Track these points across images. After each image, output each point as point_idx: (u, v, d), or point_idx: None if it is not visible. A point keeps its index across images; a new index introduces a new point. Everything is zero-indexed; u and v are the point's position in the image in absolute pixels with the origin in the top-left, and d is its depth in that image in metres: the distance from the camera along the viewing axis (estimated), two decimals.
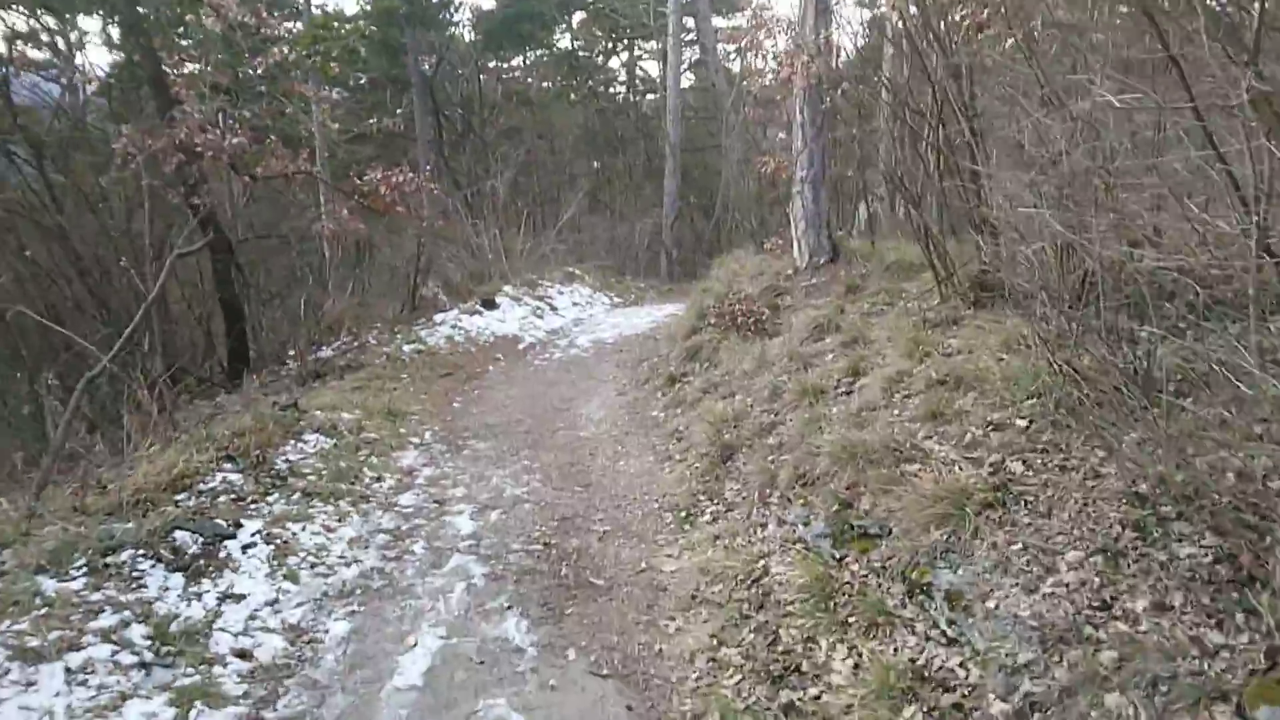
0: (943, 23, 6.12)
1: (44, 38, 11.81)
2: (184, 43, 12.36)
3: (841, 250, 8.73)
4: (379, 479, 5.82)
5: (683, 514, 5.06)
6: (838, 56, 8.95)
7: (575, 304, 14.36)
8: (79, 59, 12.86)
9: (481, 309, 12.52)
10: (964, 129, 6.15)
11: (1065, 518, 3.31)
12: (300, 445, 6.11)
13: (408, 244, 14.67)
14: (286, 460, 5.78)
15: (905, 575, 3.54)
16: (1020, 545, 3.28)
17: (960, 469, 3.97)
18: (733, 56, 26.06)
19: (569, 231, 19.12)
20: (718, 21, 24.19)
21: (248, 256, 14.13)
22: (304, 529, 4.78)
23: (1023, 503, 3.49)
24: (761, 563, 4.14)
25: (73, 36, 12.11)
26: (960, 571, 3.36)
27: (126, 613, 3.75)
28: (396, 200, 11.26)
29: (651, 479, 5.78)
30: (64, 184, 10.22)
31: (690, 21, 23.30)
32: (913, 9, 6.35)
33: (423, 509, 5.37)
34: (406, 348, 10.25)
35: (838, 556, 3.88)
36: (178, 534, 4.36)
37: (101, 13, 10.81)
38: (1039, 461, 3.72)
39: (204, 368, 12.11)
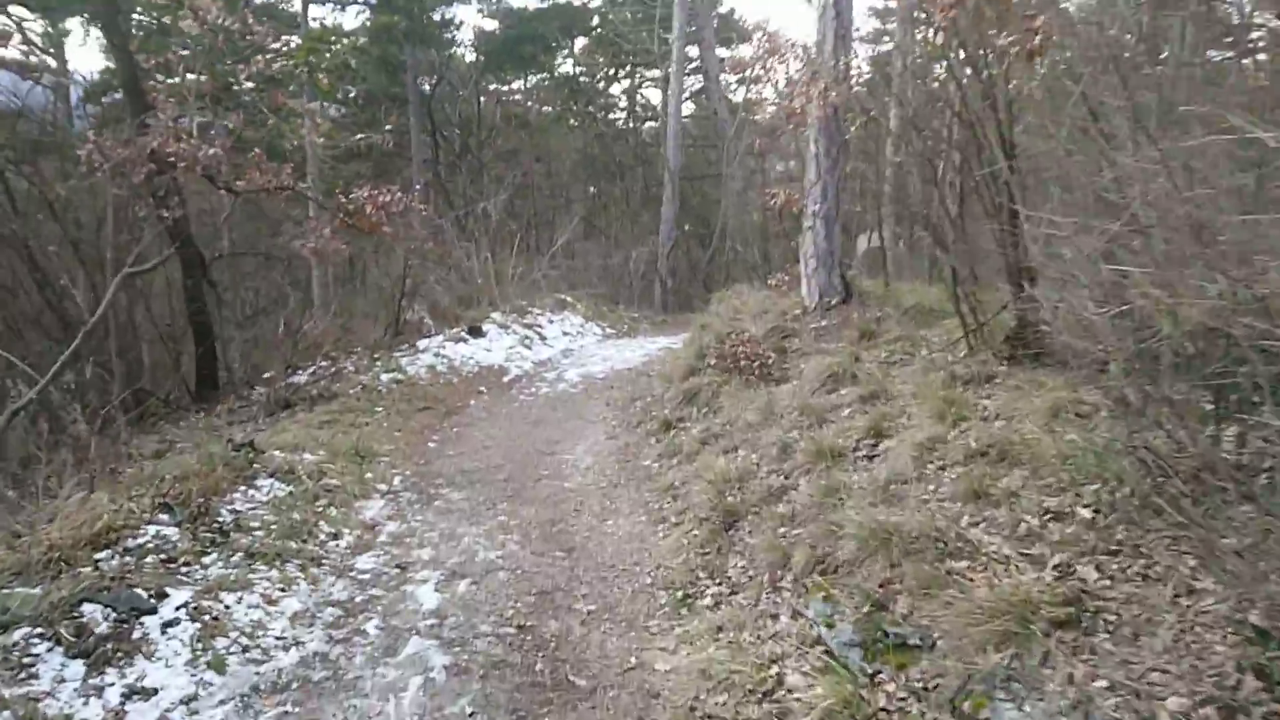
0: (985, 51, 5.58)
1: (18, 37, 11.20)
2: (182, 51, 11.84)
3: (854, 291, 8.15)
4: (336, 536, 5.15)
5: (679, 594, 4.40)
6: (854, 85, 8.41)
7: (565, 333, 13.75)
8: (54, 61, 12.24)
9: (467, 336, 11.89)
10: (1002, 165, 5.60)
11: (1159, 648, 2.69)
12: (251, 492, 5.44)
13: (395, 265, 14.09)
14: (233, 510, 5.11)
15: (955, 706, 2.90)
16: (1105, 682, 2.64)
17: (1018, 569, 3.34)
18: (735, 87, 25.78)
19: (562, 257, 18.57)
20: (721, 52, 23.89)
21: (231, 273, 13.53)
22: (240, 600, 4.11)
23: (1102, 622, 2.87)
24: (774, 669, 3.49)
25: (51, 36, 11.50)
26: (1028, 709, 2.72)
27: (5, 714, 3.08)
28: (383, 220, 10.67)
29: (643, 545, 5.13)
30: (28, 191, 9.57)
31: (694, 50, 22.96)
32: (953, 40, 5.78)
33: (382, 575, 4.70)
34: (385, 377, 9.60)
35: (869, 672, 3.24)
36: (86, 608, 3.69)
37: (84, 14, 10.22)
38: (1115, 567, 3.10)
39: (170, 391, 11.42)
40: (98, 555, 4.28)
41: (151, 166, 9.02)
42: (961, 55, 5.91)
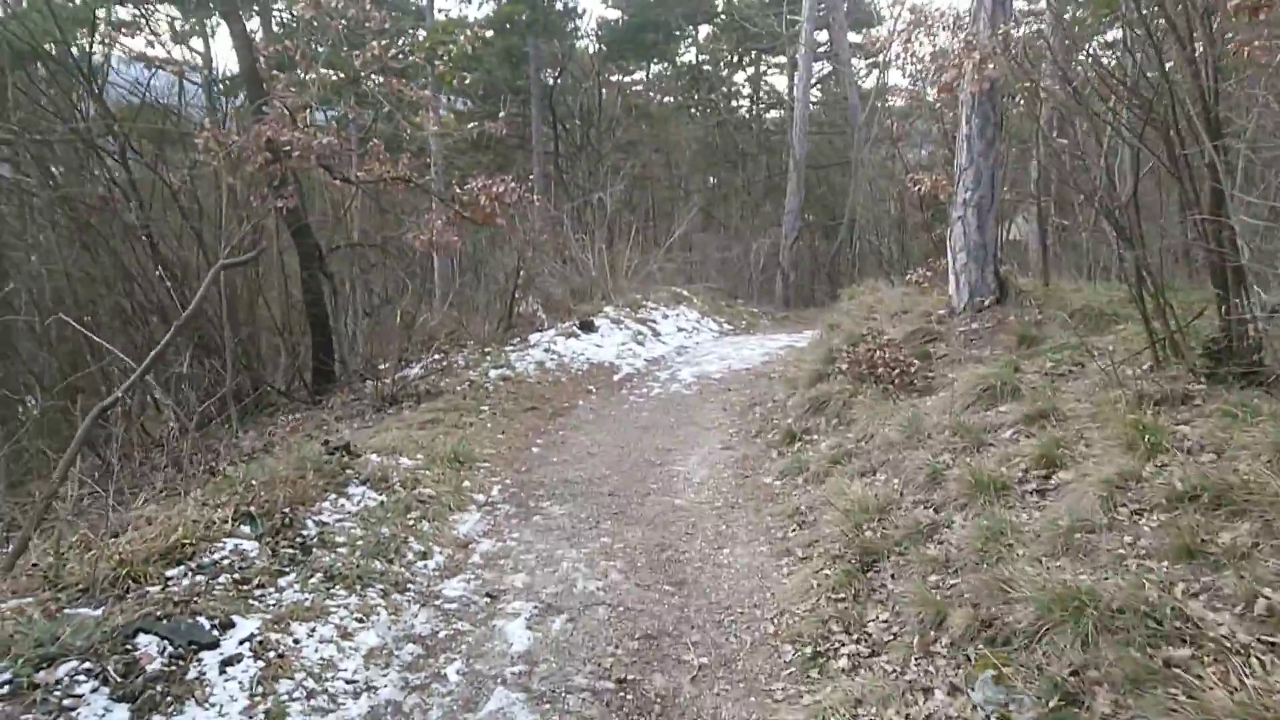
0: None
1: (152, 28, 11.43)
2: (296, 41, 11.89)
3: (1010, 290, 7.21)
4: (425, 555, 4.70)
5: (808, 650, 3.72)
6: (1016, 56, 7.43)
7: (680, 329, 13.15)
8: (182, 53, 12.49)
9: (579, 331, 11.46)
10: (1206, 143, 4.64)
11: None
12: (341, 502, 5.07)
13: (511, 257, 13.84)
14: (319, 523, 4.74)
15: None
16: None
17: (1263, 665, 2.53)
18: (864, 72, 24.55)
19: (679, 249, 17.98)
20: (852, 36, 22.76)
21: (355, 264, 13.55)
22: (312, 633, 3.68)
23: None
24: None
25: (178, 27, 11.70)
26: None
27: None
28: (496, 211, 10.33)
29: (765, 583, 4.47)
30: (152, 182, 9.66)
31: (822, 35, 21.93)
32: None
33: (470, 605, 4.21)
34: (493, 373, 9.24)
35: None
36: (141, 639, 3.32)
37: (209, 4, 10.29)
38: None
39: (290, 381, 11.45)
40: (169, 572, 3.96)
41: (267, 155, 8.93)
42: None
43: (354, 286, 13.43)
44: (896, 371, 6.55)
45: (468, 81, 20.16)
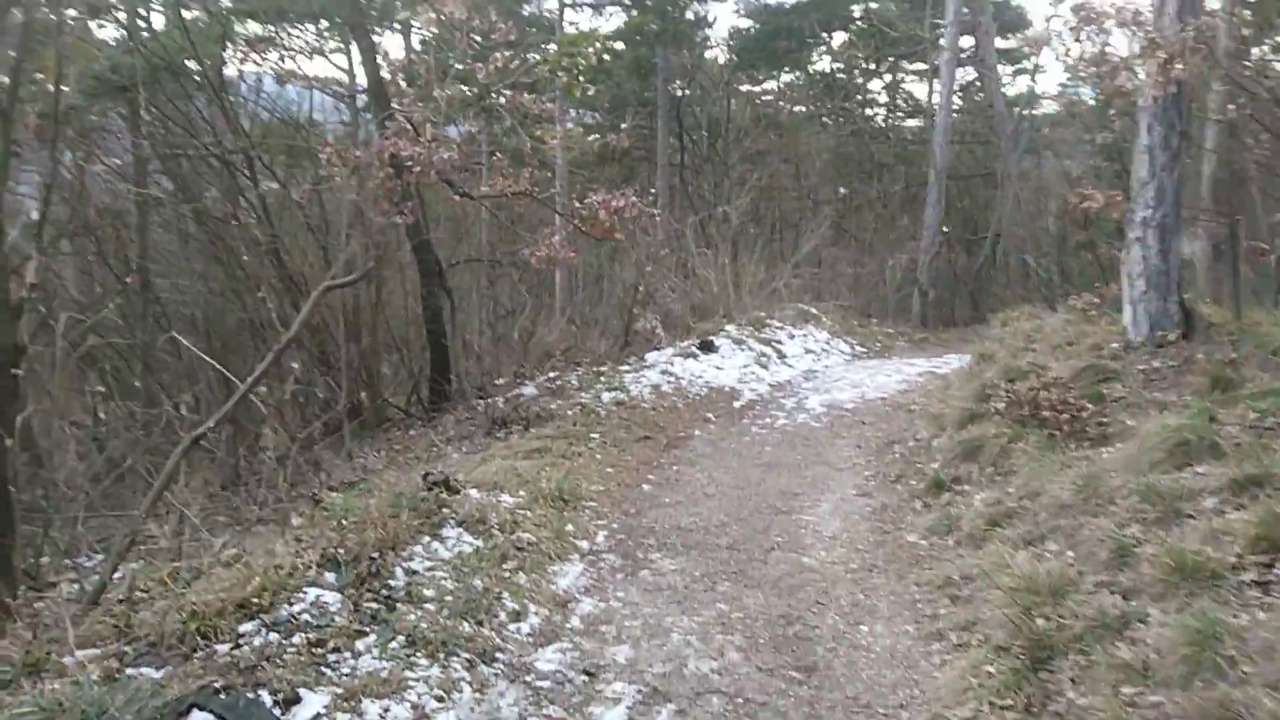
0: None
1: (285, 44, 11.64)
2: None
3: (1197, 322, 6.20)
4: (519, 615, 4.22)
5: None
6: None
7: (808, 351, 12.40)
8: (321, 66, 12.69)
9: (698, 351, 10.91)
10: None
11: None
12: (435, 546, 4.67)
13: (629, 272, 13.46)
14: (409, 571, 4.35)
15: None
16: None
17: None
18: (1010, 78, 23.08)
19: (807, 264, 17.17)
20: (999, 41, 21.42)
21: (476, 278, 13.45)
22: (385, 713, 3.25)
23: None
24: None
25: (312, 42, 11.90)
26: None
27: None
28: (615, 226, 9.94)
29: (912, 674, 3.77)
30: (280, 195, 9.77)
31: (965, 40, 20.69)
32: None
33: (564, 683, 3.70)
34: (606, 396, 8.80)
35: None
36: (196, 717, 2.97)
37: (335, 19, 10.36)
38: None
39: (410, 397, 11.40)
40: (243, 627, 3.61)
41: (389, 170, 8.82)
42: None
43: (481, 298, 13.36)
44: (1065, 416, 5.68)
45: (591, 92, 20.06)
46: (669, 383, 9.49)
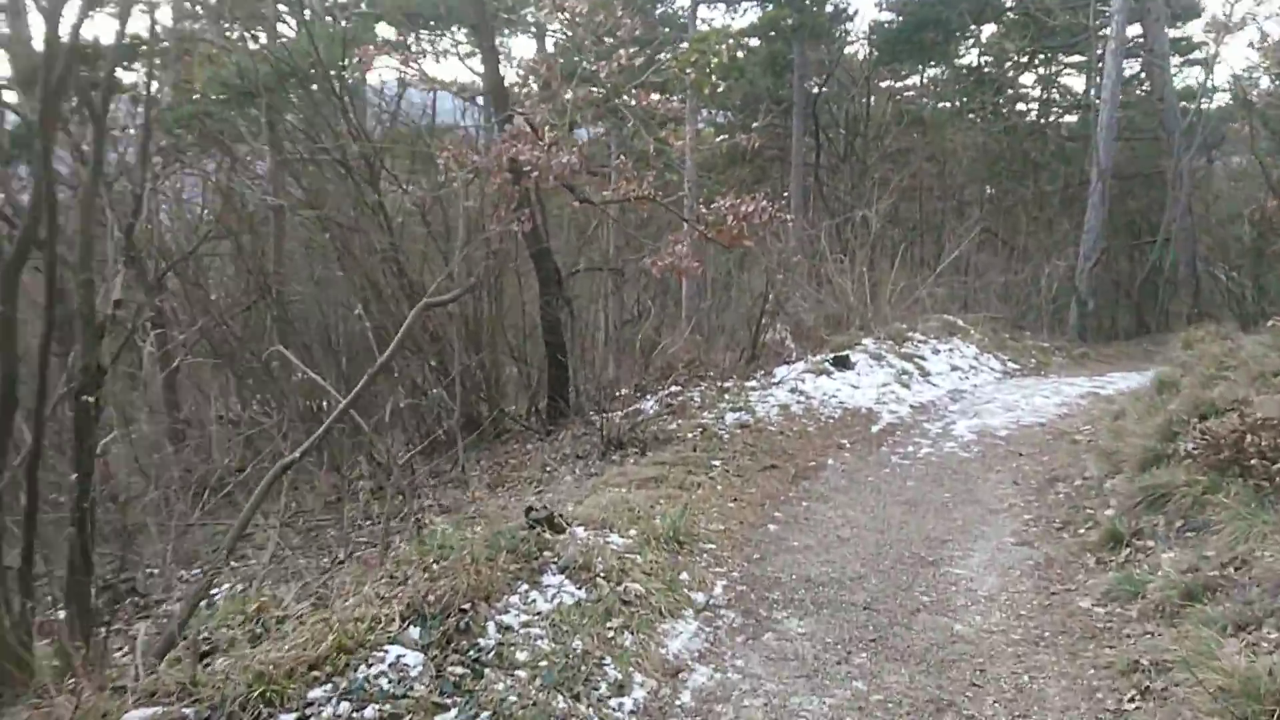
0: None
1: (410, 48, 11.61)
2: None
3: None
4: (621, 688, 3.69)
5: None
6: None
7: (954, 367, 11.40)
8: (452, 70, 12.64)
9: (831, 367, 10.13)
10: None
11: None
12: (533, 596, 4.20)
13: (758, 279, 12.80)
14: (502, 628, 3.89)
15: None
16: None
17: None
18: (1178, 69, 21.00)
19: (953, 272, 16.00)
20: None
21: (598, 287, 13.10)
22: None
23: None
24: None
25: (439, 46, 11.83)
26: None
27: None
28: (744, 232, 9.33)
29: None
30: (400, 201, 9.66)
31: (1131, 29, 18.90)
32: None
33: None
34: (729, 417, 8.19)
35: None
36: None
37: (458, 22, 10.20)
38: None
39: (531, 408, 11.12)
40: (312, 693, 3.24)
41: (506, 175, 8.53)
42: None
43: (604, 307, 13.01)
44: (1278, 466, 4.70)
45: (720, 90, 19.55)
46: (799, 402, 8.79)
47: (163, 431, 9.38)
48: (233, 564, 5.41)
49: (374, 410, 7.63)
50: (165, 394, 10.28)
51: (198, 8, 12.41)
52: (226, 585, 5.45)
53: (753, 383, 9.58)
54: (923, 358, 11.14)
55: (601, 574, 4.47)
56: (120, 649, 4.86)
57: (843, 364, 10.16)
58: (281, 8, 12.44)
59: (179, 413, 10.62)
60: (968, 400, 9.91)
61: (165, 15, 10.55)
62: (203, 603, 4.45)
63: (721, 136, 10.64)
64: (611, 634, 4.04)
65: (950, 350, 11.81)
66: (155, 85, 9.29)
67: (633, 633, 4.10)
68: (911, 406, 9.42)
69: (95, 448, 3.67)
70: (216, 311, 10.64)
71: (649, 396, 9.94)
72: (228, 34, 11.74)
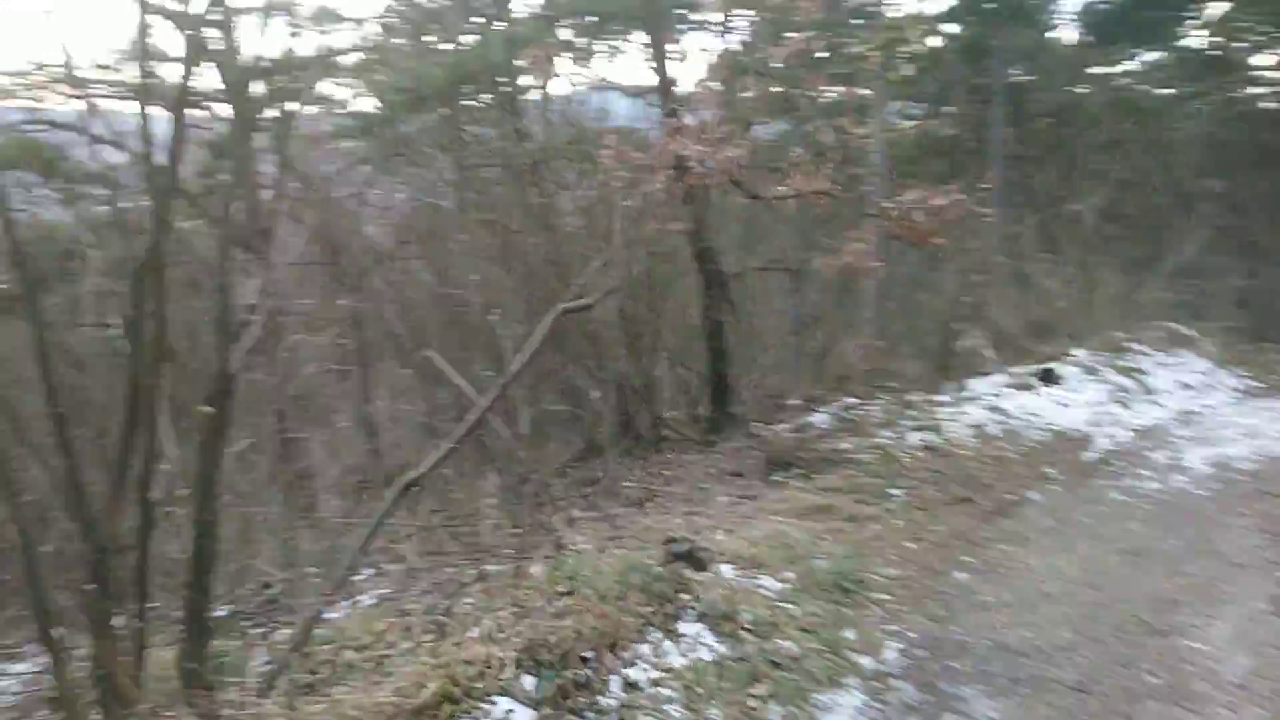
0: None
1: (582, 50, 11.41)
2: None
3: None
4: None
5: None
6: None
7: (1183, 384, 9.93)
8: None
9: (1036, 382, 9.00)
10: None
11: None
12: (666, 646, 3.64)
13: (951, 280, 11.69)
14: (627, 685, 3.36)
15: None
16: None
17: None
18: None
19: (1180, 274, 14.12)
20: None
21: (767, 288, 12.44)
22: None
23: None
24: None
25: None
26: None
27: None
28: (935, 229, 8.42)
29: None
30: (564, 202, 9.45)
31: None
32: None
33: None
34: (913, 436, 7.31)
35: None
36: None
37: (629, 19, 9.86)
38: None
39: (694, 414, 10.65)
40: None
41: (670, 173, 8.07)
42: None
43: (776, 309, 12.34)
44: None
45: (913, 75, 18.27)
46: (996, 422, 7.76)
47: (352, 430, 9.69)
48: (369, 571, 5.20)
49: (521, 416, 7.40)
50: (360, 390, 10.59)
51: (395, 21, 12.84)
52: (363, 596, 5.28)
53: (943, 397, 8.63)
54: (1144, 372, 9.80)
55: (748, 625, 3.85)
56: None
57: (1049, 378, 9.08)
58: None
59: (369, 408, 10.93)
60: (1200, 424, 8.54)
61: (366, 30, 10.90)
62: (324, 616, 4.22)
63: (910, 123, 9.72)
64: (755, 705, 3.41)
65: (1178, 364, 10.39)
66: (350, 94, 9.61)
67: (781, 705, 3.45)
68: (1132, 430, 8.18)
69: (220, 459, 3.44)
70: (397, 312, 10.85)
71: (820, 409, 9.19)
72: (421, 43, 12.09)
